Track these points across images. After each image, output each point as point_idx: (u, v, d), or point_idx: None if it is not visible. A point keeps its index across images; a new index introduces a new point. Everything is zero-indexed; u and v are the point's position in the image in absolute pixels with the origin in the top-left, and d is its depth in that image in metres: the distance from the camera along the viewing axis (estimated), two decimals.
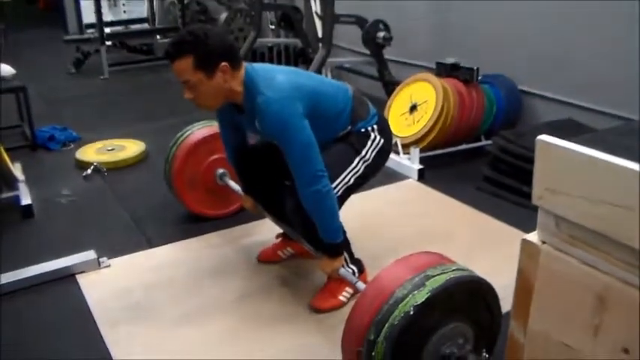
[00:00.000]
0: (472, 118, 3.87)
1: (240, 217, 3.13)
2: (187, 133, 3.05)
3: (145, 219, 3.23)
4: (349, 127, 2.31)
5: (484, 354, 1.84)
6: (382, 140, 2.36)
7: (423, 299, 1.63)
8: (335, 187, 2.19)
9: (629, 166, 1.23)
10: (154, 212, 3.30)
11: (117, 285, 2.60)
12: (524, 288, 1.58)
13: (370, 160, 2.32)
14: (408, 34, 4.89)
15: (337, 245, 2.22)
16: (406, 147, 3.80)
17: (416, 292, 1.65)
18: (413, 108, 3.91)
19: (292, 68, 2.35)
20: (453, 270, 1.75)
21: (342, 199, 2.26)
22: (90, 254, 2.73)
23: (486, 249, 2.82)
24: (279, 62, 6.38)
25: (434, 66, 4.11)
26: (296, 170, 2.10)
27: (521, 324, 1.61)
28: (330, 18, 4.65)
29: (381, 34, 4.63)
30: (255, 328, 2.30)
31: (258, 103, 2.07)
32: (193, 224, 3.11)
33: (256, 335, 2.26)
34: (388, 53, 4.84)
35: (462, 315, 1.75)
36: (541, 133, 1.45)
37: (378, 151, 2.35)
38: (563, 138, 1.40)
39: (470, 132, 3.95)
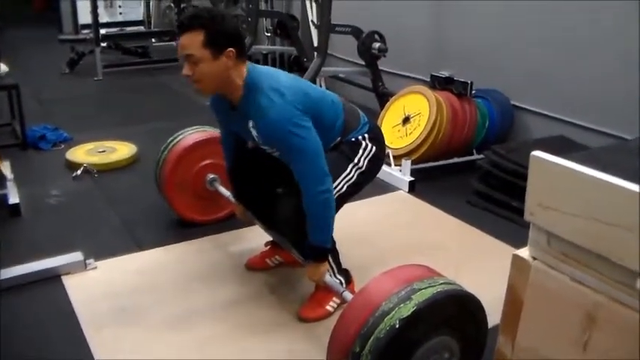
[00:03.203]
0: (464, 132, 3.87)
1: (229, 224, 3.12)
2: (179, 137, 3.04)
3: (133, 222, 3.21)
4: (339, 138, 2.31)
5: None
6: (374, 148, 2.35)
7: (409, 313, 1.62)
8: None
9: (625, 185, 1.24)
10: (144, 215, 3.28)
11: (103, 287, 2.58)
12: (513, 303, 1.58)
13: (364, 168, 2.32)
14: (403, 46, 4.91)
15: (325, 249, 2.21)
16: (398, 159, 3.80)
17: (402, 305, 1.64)
18: (406, 120, 3.91)
19: (292, 74, 2.33)
20: (441, 284, 1.74)
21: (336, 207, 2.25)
22: (77, 255, 2.71)
23: (475, 262, 2.82)
24: None
25: (428, 79, 4.13)
26: (305, 171, 2.08)
27: (510, 339, 1.61)
28: (326, 27, 4.65)
29: (377, 45, 4.64)
30: (241, 334, 2.29)
31: (260, 104, 2.05)
32: (183, 229, 3.10)
33: (243, 341, 2.24)
34: (383, 64, 4.85)
35: (448, 329, 1.74)
36: (532, 149, 1.45)
37: (370, 159, 2.34)
38: (555, 155, 1.40)
39: (462, 146, 3.96)
